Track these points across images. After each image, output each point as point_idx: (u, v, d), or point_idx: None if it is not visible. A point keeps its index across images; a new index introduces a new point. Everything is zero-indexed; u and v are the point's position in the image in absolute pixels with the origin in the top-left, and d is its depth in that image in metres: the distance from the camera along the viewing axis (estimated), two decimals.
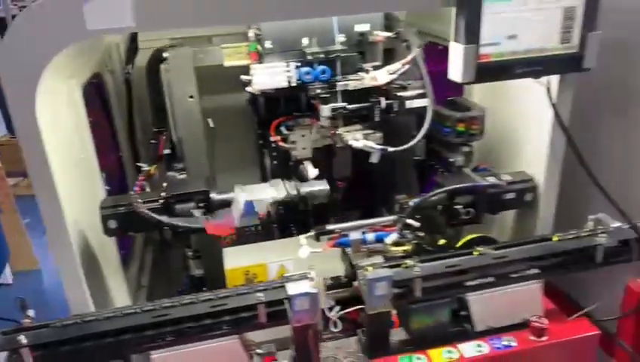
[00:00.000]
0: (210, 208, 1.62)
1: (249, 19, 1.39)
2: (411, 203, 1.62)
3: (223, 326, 1.47)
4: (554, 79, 1.56)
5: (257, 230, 2.87)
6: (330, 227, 1.64)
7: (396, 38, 1.70)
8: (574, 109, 1.75)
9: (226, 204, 1.66)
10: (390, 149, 1.60)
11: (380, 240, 1.63)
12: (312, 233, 1.63)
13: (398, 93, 1.67)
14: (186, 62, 1.67)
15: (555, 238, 1.65)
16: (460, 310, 1.66)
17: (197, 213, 1.60)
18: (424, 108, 1.68)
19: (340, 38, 1.62)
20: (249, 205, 1.71)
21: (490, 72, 1.40)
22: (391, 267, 1.55)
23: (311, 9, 1.31)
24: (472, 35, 1.35)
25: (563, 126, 1.58)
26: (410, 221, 1.61)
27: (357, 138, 1.61)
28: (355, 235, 1.63)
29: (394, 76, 1.60)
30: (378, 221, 1.64)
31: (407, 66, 1.60)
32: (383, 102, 1.63)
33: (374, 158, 1.61)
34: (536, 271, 1.63)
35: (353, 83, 1.62)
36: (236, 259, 2.07)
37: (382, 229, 1.63)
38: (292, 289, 1.45)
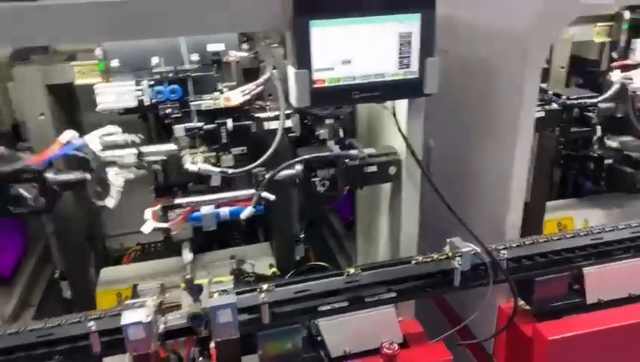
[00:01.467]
0: (47, 190, 1.51)
1: (82, 38, 1.35)
2: (267, 175, 1.56)
3: (55, 356, 1.42)
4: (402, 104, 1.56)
5: (162, 245, 2.80)
6: (179, 201, 1.62)
7: (255, 57, 1.67)
8: (442, 127, 1.75)
9: (68, 185, 1.56)
10: (230, 172, 1.56)
11: (235, 215, 1.62)
12: (157, 207, 1.60)
13: (256, 115, 1.64)
14: (33, 80, 1.61)
15: (413, 262, 1.65)
16: (316, 335, 1.64)
17: (28, 194, 1.48)
18: (287, 129, 1.67)
19: (194, 57, 1.58)
20: None
21: (326, 96, 1.39)
22: (240, 293, 1.53)
23: (138, 30, 1.30)
24: (303, 60, 1.33)
25: (413, 153, 1.58)
26: (265, 194, 1.58)
27: (195, 161, 1.58)
28: (207, 210, 1.61)
29: (248, 97, 1.57)
30: (233, 195, 1.61)
31: (260, 87, 1.58)
32: (230, 123, 1.59)
33: (215, 181, 1.57)
34: (392, 294, 1.63)
35: (207, 103, 1.59)
36: (108, 280, 2.02)
37: (238, 204, 1.61)
38: (127, 318, 1.41)
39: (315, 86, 1.36)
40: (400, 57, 1.40)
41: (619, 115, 2.03)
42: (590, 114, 1.95)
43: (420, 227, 1.83)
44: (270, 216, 2.00)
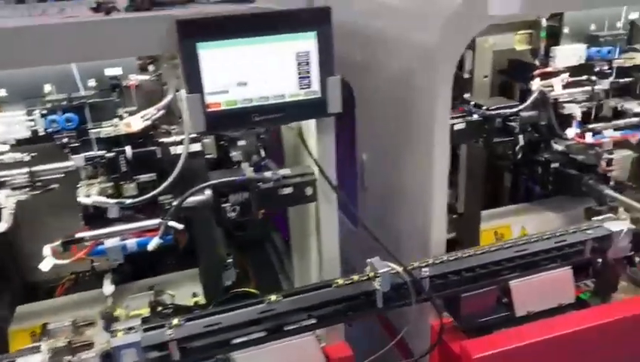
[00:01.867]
0: None
1: None
2: (175, 203, 1.51)
3: None
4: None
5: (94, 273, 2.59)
6: (80, 234, 1.53)
7: (157, 80, 1.60)
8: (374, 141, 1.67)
9: None
10: (128, 202, 1.49)
11: (142, 246, 1.55)
12: (58, 242, 1.51)
13: (161, 139, 1.57)
14: None
15: (333, 285, 1.59)
16: None
17: None
18: (196, 153, 1.60)
19: (91, 82, 1.50)
20: None
21: (223, 120, 1.33)
22: (148, 329, 1.44)
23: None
24: (194, 84, 1.27)
25: (323, 172, 1.53)
26: (172, 223, 1.51)
27: (89, 193, 1.49)
28: (111, 243, 1.53)
29: (148, 122, 1.50)
30: (139, 225, 1.53)
31: (162, 111, 1.50)
32: (129, 150, 1.52)
33: (112, 213, 1.49)
34: (312, 321, 1.56)
35: (106, 130, 1.50)
36: (23, 318, 1.90)
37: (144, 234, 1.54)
38: None
39: (209, 110, 1.30)
40: (299, 77, 1.35)
41: (542, 123, 2.01)
42: (512, 123, 1.92)
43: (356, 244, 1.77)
44: (193, 242, 1.93)
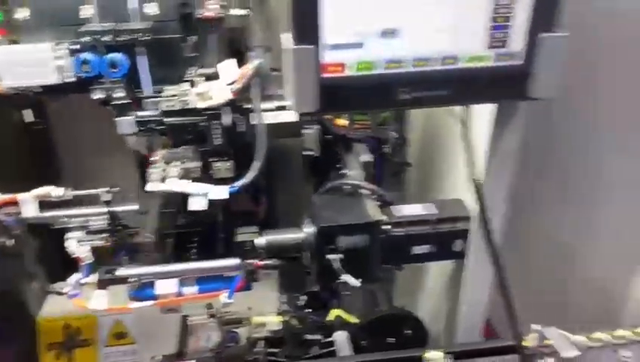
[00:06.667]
0: None
1: None
2: (262, 241, 0.99)
3: None
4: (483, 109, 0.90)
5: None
6: (125, 272, 1.05)
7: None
8: None
9: None
10: (214, 196, 0.95)
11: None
12: (94, 277, 1.05)
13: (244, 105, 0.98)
14: None
15: None
16: None
17: None
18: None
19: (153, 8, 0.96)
20: None
21: (344, 95, 0.74)
22: None
23: None
24: (306, 29, 0.69)
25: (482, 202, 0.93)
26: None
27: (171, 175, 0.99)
28: (168, 287, 1.04)
29: (238, 86, 0.94)
30: (213, 266, 1.05)
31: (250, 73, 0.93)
32: (228, 117, 0.97)
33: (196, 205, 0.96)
34: None
35: (169, 103, 0.97)
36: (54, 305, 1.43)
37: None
38: None
39: (324, 76, 0.72)
40: (492, 26, 0.72)
41: None
42: None
43: None
44: None
